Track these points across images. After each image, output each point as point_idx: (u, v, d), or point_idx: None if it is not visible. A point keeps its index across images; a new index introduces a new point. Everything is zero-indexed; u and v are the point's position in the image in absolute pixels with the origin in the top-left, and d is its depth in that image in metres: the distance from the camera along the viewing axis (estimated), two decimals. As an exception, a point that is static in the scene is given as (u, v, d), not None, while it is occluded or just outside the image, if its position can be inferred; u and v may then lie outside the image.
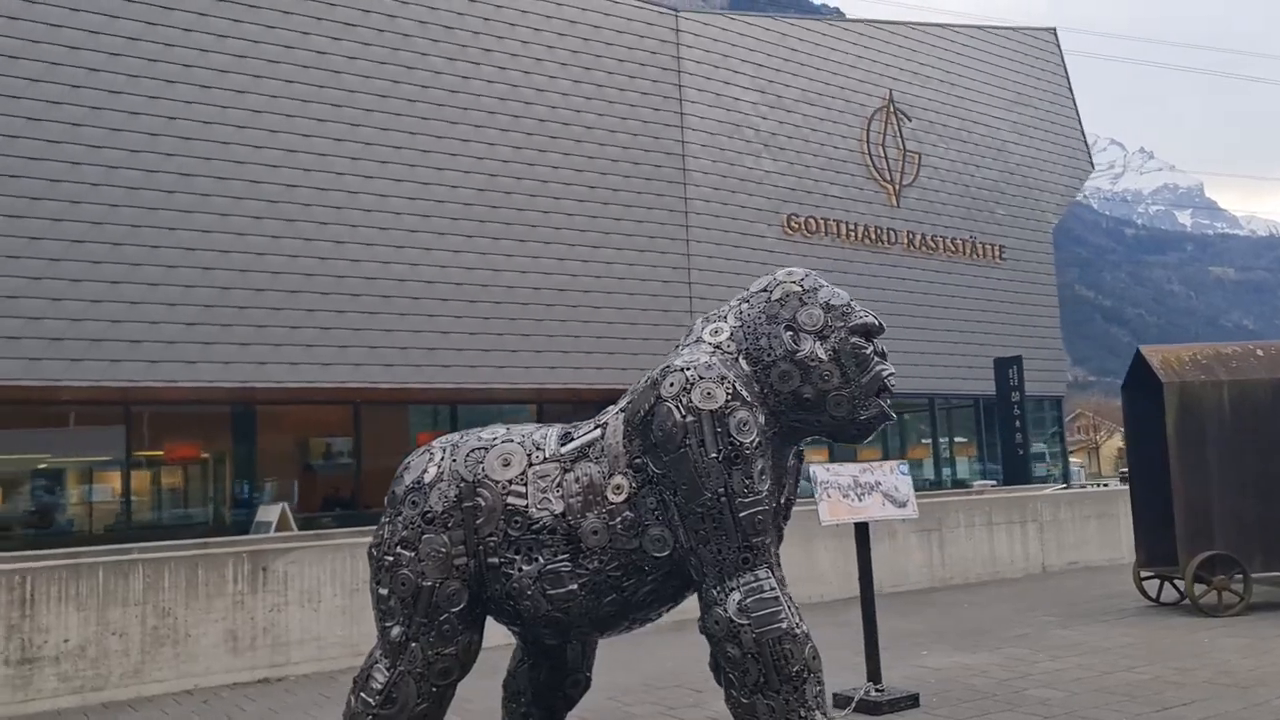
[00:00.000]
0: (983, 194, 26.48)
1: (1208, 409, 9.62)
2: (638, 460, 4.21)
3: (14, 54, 14.74)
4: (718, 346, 4.39)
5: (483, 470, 4.35)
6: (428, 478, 4.42)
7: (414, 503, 4.40)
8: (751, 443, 4.10)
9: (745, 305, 4.52)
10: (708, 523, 4.05)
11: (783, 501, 4.47)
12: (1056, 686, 6.70)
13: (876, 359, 4.36)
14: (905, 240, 24.58)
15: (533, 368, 18.57)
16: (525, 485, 4.29)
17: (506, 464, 4.35)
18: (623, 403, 4.44)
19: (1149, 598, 10.23)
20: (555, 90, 19.46)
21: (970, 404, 26.05)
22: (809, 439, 4.53)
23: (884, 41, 25.19)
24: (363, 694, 4.36)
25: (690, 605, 4.36)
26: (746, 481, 4.06)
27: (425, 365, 17.51)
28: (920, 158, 25.19)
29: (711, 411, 4.09)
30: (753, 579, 4.04)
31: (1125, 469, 13.08)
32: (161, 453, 17.99)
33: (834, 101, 23.85)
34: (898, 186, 24.71)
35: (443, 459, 4.46)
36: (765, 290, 4.51)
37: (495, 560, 4.28)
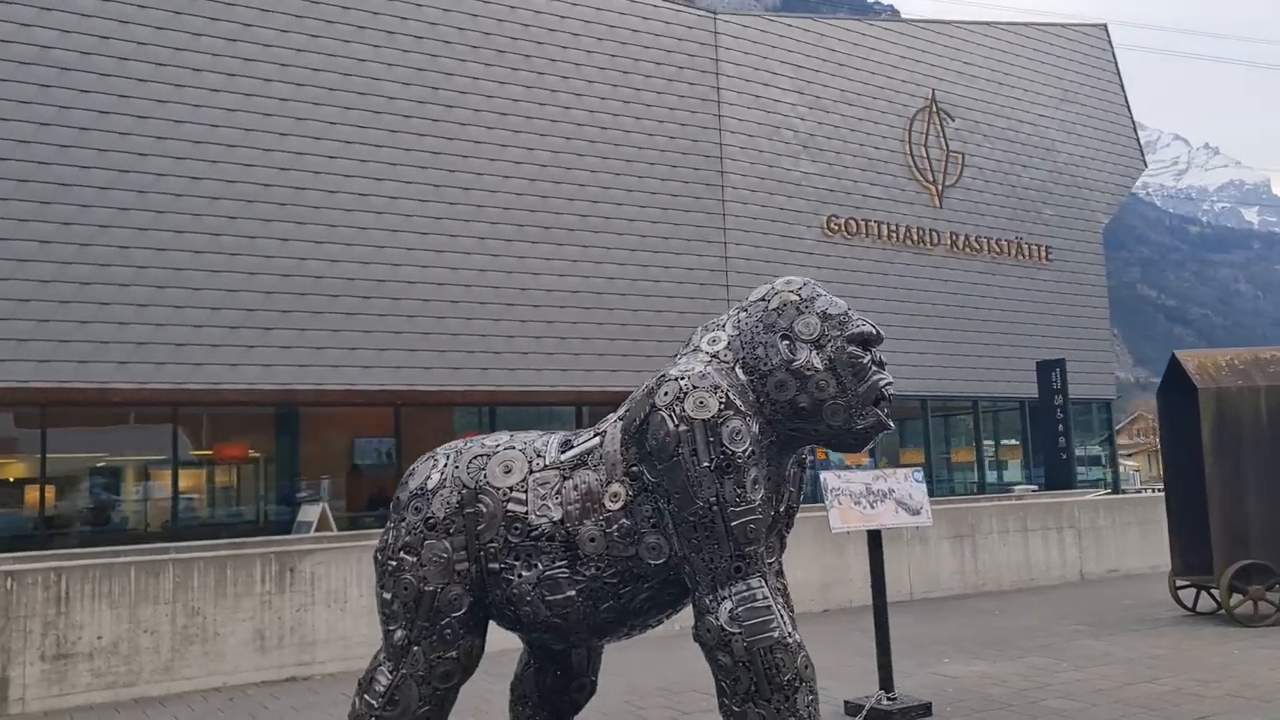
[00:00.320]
0: (1029, 194, 26.10)
1: (1244, 415, 9.43)
2: (634, 468, 4.24)
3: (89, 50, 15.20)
4: (714, 355, 4.39)
5: (485, 477, 4.41)
6: (431, 484, 4.49)
7: (417, 509, 4.48)
8: (744, 452, 4.10)
9: (743, 314, 4.52)
10: (700, 531, 4.07)
11: (783, 510, 4.48)
12: (1075, 697, 6.61)
13: (874, 368, 4.33)
14: (949, 241, 24.31)
15: (570, 370, 18.67)
16: (526, 492, 4.34)
17: (508, 471, 4.41)
18: (621, 410, 4.47)
19: (1185, 607, 10.04)
20: (593, 94, 19.56)
21: (1015, 407, 25.71)
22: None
23: (927, 41, 24.92)
24: (366, 696, 4.45)
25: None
26: (739, 491, 4.06)
27: (464, 368, 17.70)
28: (964, 158, 24.89)
29: (704, 420, 4.10)
30: (745, 588, 4.05)
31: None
32: (210, 452, 18.42)
33: (874, 102, 23.65)
34: (940, 187, 24.44)
35: (446, 466, 4.53)
36: (763, 299, 4.51)
37: (496, 566, 4.34)
